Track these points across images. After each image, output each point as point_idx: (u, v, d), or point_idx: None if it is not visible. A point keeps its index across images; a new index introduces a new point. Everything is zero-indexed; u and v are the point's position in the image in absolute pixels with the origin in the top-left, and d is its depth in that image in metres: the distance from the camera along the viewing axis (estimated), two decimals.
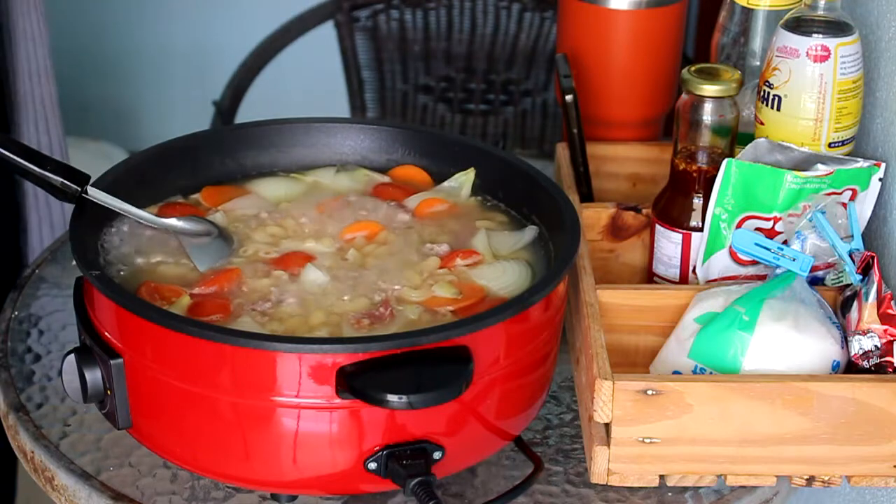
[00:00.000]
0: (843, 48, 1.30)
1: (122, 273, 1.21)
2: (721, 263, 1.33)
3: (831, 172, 1.29)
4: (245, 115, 2.09)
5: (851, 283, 1.27)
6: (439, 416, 1.11)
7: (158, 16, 3.21)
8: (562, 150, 1.52)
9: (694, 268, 1.36)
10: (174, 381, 1.10)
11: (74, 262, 1.18)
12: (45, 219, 1.77)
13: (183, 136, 1.34)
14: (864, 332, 1.21)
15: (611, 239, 1.43)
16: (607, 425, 1.19)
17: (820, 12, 1.31)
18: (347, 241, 1.27)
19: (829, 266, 1.31)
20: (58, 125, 1.74)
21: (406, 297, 1.19)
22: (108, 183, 1.24)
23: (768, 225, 1.31)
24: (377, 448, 1.10)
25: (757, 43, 1.43)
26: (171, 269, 1.22)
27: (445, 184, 1.35)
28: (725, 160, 1.29)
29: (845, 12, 1.32)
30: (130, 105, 3.30)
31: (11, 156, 1.19)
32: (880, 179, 1.32)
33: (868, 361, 1.22)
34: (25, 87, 1.69)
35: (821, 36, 1.30)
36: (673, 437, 1.17)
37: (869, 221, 1.35)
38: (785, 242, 1.29)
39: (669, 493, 1.22)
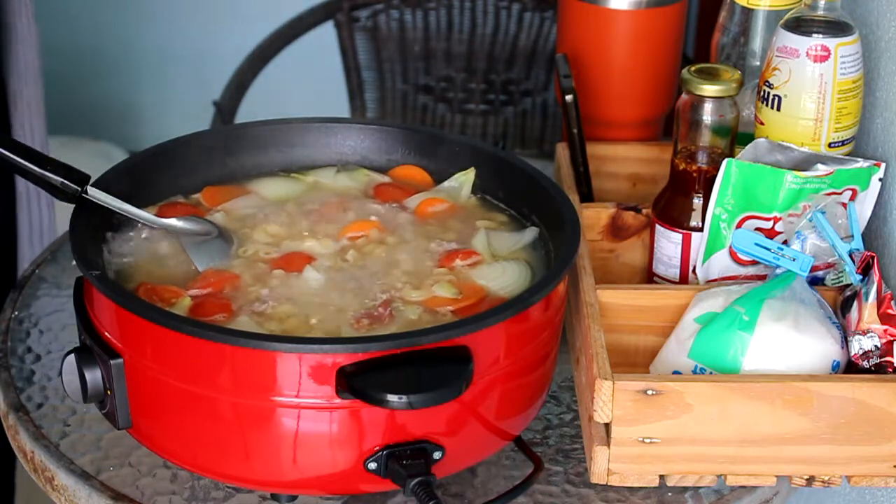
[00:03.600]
0: (843, 48, 1.30)
1: (119, 272, 1.21)
2: (721, 263, 1.33)
3: (831, 172, 1.29)
4: (245, 115, 2.09)
5: (851, 283, 1.27)
6: (439, 416, 1.11)
7: (159, 16, 3.21)
8: (562, 150, 1.52)
9: (694, 268, 1.36)
10: (174, 381, 1.10)
11: (74, 262, 1.18)
12: (36, 225, 1.77)
13: (183, 136, 1.34)
14: (864, 332, 1.22)
15: (611, 239, 1.43)
16: (607, 425, 1.19)
17: (820, 12, 1.31)
18: (347, 241, 1.27)
19: (829, 266, 1.31)
20: (42, 127, 1.74)
21: (406, 298, 1.19)
22: (108, 183, 1.24)
23: (768, 225, 1.31)
24: (377, 448, 1.10)
25: (757, 43, 1.43)
26: (167, 270, 1.22)
27: (445, 184, 1.35)
28: (725, 160, 1.29)
29: (845, 12, 1.32)
30: (130, 105, 3.30)
31: (11, 155, 1.19)
32: (880, 179, 1.32)
33: (868, 361, 1.22)
34: (17, 87, 1.69)
35: (821, 36, 1.30)
36: (673, 437, 1.18)
37: (869, 221, 1.35)
38: (785, 242, 1.29)
39: (669, 493, 1.22)
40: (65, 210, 1.26)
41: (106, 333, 1.14)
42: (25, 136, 1.72)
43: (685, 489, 1.22)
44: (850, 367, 1.23)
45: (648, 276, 1.42)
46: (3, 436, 1.32)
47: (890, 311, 1.21)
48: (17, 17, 1.67)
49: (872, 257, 1.25)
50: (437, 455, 1.11)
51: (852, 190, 1.31)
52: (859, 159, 1.31)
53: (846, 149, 1.35)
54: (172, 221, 1.25)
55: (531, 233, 1.28)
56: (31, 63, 1.70)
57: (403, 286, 1.20)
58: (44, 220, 1.77)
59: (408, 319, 1.16)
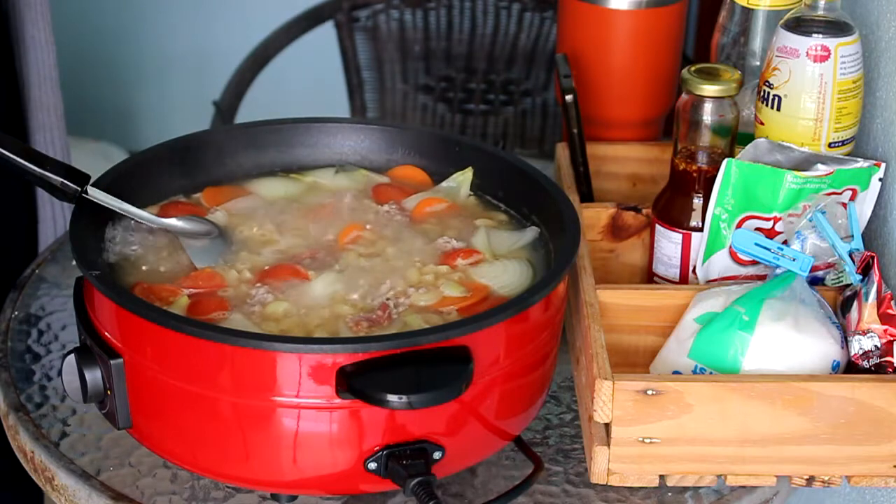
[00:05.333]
0: (843, 48, 1.30)
1: (116, 272, 1.21)
2: (721, 263, 1.33)
3: (831, 172, 1.29)
4: (245, 115, 2.09)
5: (851, 283, 1.27)
6: (439, 416, 1.11)
7: (158, 16, 3.21)
8: (562, 150, 1.52)
9: (694, 268, 1.36)
10: (174, 381, 1.10)
11: (74, 262, 1.18)
12: (60, 216, 1.77)
13: (183, 136, 1.34)
14: (864, 332, 1.22)
15: (611, 239, 1.43)
16: (607, 425, 1.19)
17: (820, 12, 1.31)
18: (346, 243, 1.27)
19: (829, 266, 1.31)
20: (62, 133, 1.75)
21: (409, 298, 1.19)
22: (108, 183, 1.24)
23: (768, 225, 1.31)
24: (377, 448, 1.10)
25: (757, 43, 1.43)
26: (162, 269, 1.22)
27: (444, 184, 1.35)
28: (725, 160, 1.29)
29: (845, 12, 1.32)
30: (130, 105, 3.31)
31: (11, 155, 1.19)
32: (880, 179, 1.32)
33: (868, 361, 1.22)
34: (35, 94, 1.70)
35: (821, 36, 1.30)
36: (673, 437, 1.18)
37: (869, 221, 1.35)
38: (785, 242, 1.29)
39: (669, 493, 1.22)
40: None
41: (106, 333, 1.14)
42: (45, 142, 1.72)
43: (685, 489, 1.22)
44: (850, 367, 1.23)
45: (648, 276, 1.42)
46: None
47: (890, 311, 1.21)
48: (35, 25, 1.67)
49: (872, 257, 1.25)
50: (437, 455, 1.11)
51: (852, 190, 1.31)
52: (859, 159, 1.31)
53: (846, 149, 1.35)
54: (172, 221, 1.25)
55: (532, 232, 1.28)
56: (48, 70, 1.71)
57: (405, 286, 1.20)
58: (66, 220, 1.78)
59: (413, 319, 1.16)
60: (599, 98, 1.54)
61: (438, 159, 1.36)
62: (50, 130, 1.72)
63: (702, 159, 1.34)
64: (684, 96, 1.33)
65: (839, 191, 1.30)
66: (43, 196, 1.76)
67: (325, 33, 2.45)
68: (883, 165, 1.32)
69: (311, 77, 3.03)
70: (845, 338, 1.24)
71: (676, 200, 1.37)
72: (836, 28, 1.31)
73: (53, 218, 1.76)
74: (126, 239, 1.25)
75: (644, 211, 1.42)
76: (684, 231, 1.36)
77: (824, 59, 1.30)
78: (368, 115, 2.47)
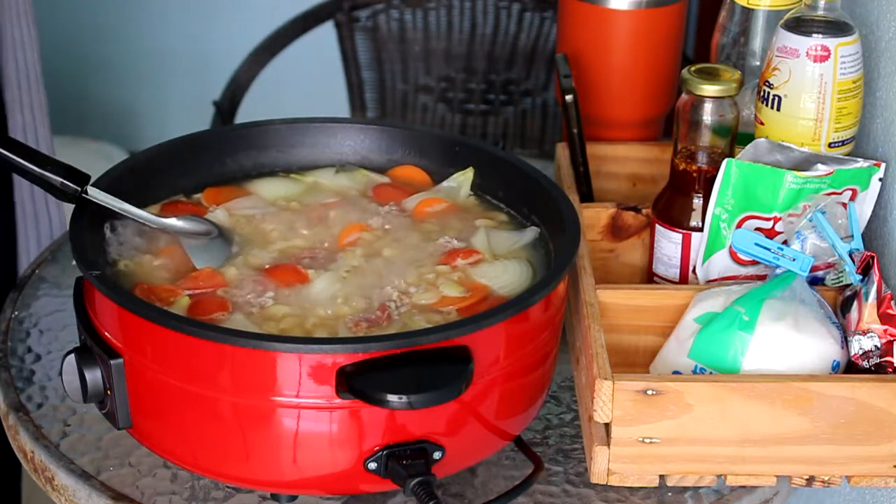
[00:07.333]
0: (843, 48, 1.30)
1: (116, 272, 1.21)
2: (721, 263, 1.33)
3: (831, 172, 1.29)
4: (245, 115, 2.09)
5: (851, 283, 1.27)
6: (439, 416, 1.11)
7: (158, 16, 3.21)
8: (562, 150, 1.52)
9: (694, 268, 1.36)
10: (174, 381, 1.10)
11: (74, 262, 1.18)
12: (33, 232, 1.76)
13: (183, 136, 1.34)
14: (864, 332, 1.22)
15: (611, 239, 1.43)
16: (607, 425, 1.19)
17: (820, 12, 1.31)
18: (346, 243, 1.27)
19: (829, 266, 1.31)
20: (47, 132, 1.74)
21: (409, 298, 1.19)
22: (108, 183, 1.24)
23: (768, 225, 1.31)
24: (377, 448, 1.10)
25: (757, 43, 1.43)
26: (162, 269, 1.22)
27: (444, 184, 1.35)
28: (725, 160, 1.29)
29: (845, 12, 1.32)
30: (130, 105, 3.30)
31: (11, 156, 1.19)
32: (880, 179, 1.32)
33: (868, 361, 1.22)
34: (14, 93, 1.69)
35: (821, 36, 1.30)
36: (673, 437, 1.18)
37: (869, 221, 1.35)
38: (785, 242, 1.29)
39: (669, 493, 1.22)
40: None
41: (106, 333, 1.14)
42: (27, 141, 1.71)
43: (685, 489, 1.22)
44: (850, 367, 1.23)
45: (648, 276, 1.42)
46: (5, 438, 1.32)
47: (890, 311, 1.21)
48: (14, 23, 1.67)
49: (872, 257, 1.25)
50: (437, 455, 1.11)
51: (852, 190, 1.31)
52: (859, 159, 1.31)
53: (846, 149, 1.35)
54: (172, 221, 1.25)
55: (531, 232, 1.28)
56: (31, 68, 1.70)
57: (406, 287, 1.20)
58: (53, 219, 1.77)
59: (412, 319, 1.16)
60: (599, 98, 1.54)
61: (438, 159, 1.36)
62: (33, 130, 1.71)
63: (702, 159, 1.34)
64: (684, 96, 1.33)
65: (839, 191, 1.30)
66: (22, 194, 1.76)
67: (325, 33, 2.45)
68: (883, 165, 1.32)
69: (311, 77, 3.03)
70: (845, 338, 1.24)
71: (676, 200, 1.37)
72: (836, 28, 1.31)
73: (35, 216, 1.76)
74: (126, 239, 1.25)
75: (644, 211, 1.42)
76: (684, 231, 1.36)
77: (824, 59, 1.30)
78: (368, 115, 2.47)
